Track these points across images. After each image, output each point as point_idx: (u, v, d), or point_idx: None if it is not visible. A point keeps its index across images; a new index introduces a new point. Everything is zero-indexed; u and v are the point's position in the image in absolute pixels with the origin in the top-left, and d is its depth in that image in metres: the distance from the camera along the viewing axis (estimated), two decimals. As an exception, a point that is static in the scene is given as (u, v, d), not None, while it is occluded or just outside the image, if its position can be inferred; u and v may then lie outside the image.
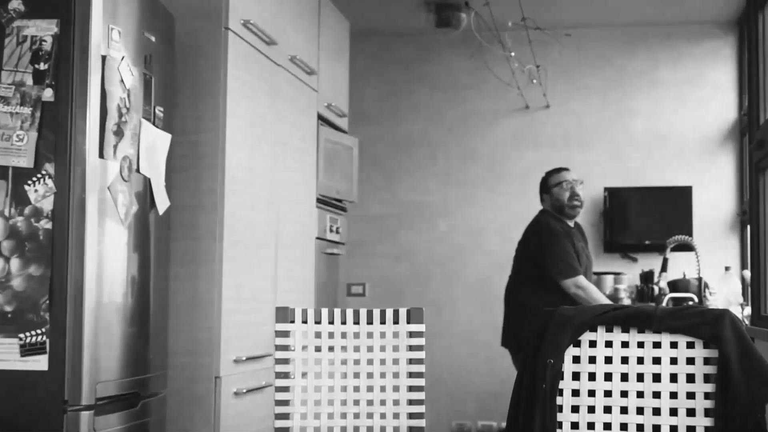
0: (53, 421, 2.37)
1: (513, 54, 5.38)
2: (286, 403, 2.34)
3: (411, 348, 2.38)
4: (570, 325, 2.11)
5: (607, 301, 4.31)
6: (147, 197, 2.75)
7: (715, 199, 5.83)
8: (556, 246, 4.25)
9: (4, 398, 2.38)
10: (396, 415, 2.35)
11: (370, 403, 2.36)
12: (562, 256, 4.23)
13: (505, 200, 6.06)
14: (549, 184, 4.45)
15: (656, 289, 4.73)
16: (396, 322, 2.39)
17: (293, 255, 3.84)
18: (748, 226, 4.41)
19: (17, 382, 2.37)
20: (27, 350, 2.38)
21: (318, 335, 2.40)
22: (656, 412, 2.08)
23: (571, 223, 4.43)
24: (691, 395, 2.07)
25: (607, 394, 2.10)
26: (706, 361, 2.07)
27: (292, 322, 2.39)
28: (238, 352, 3.27)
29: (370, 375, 2.38)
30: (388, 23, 6.04)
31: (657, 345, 2.10)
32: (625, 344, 2.11)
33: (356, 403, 2.36)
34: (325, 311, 2.41)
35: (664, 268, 4.47)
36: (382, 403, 2.35)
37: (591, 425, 2.09)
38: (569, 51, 5.92)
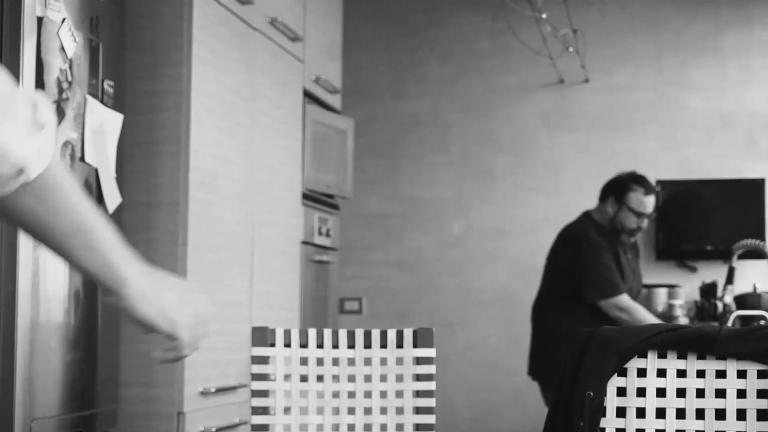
0: (-22, 468, 2.38)
1: (545, 16, 5.38)
2: (264, 445, 2.35)
3: (418, 377, 2.39)
4: (613, 349, 2.12)
5: (658, 322, 4.36)
6: (93, 192, 2.76)
7: (792, 194, 5.85)
8: (596, 260, 4.32)
9: None
10: (400, 461, 2.36)
11: (367, 445, 2.37)
12: (601, 271, 4.30)
13: (532, 196, 6.08)
14: (624, 198, 4.47)
15: (720, 305, 4.74)
16: (400, 345, 2.40)
17: (273, 263, 3.84)
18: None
19: (-66, 420, 2.38)
20: (-54, 380, 2.39)
21: (304, 362, 2.40)
22: (720, 456, 2.09)
23: (631, 241, 4.59)
24: (762, 436, 2.08)
25: (660, 434, 2.11)
26: (782, 393, 2.08)
27: (273, 345, 2.40)
28: (206, 383, 3.27)
29: (368, 411, 2.39)
30: (390, -23, 6.05)
31: (721, 374, 2.11)
32: (681, 373, 2.12)
33: (351, 445, 2.37)
34: (312, 332, 2.42)
35: (729, 280, 4.48)
36: (383, 445, 2.37)
37: (640, 473, 2.11)
38: (613, 11, 5.93)
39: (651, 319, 4.32)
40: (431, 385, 2.38)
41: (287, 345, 2.40)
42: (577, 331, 4.28)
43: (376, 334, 2.41)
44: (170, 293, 1.40)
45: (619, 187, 4.53)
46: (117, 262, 1.33)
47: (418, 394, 2.38)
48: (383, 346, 2.40)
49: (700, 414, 2.12)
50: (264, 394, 2.37)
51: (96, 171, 2.78)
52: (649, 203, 4.49)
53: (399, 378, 2.39)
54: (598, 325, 4.15)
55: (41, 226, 1.27)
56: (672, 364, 2.13)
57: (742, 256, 4.50)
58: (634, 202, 4.46)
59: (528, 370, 4.49)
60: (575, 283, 4.33)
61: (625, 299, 4.30)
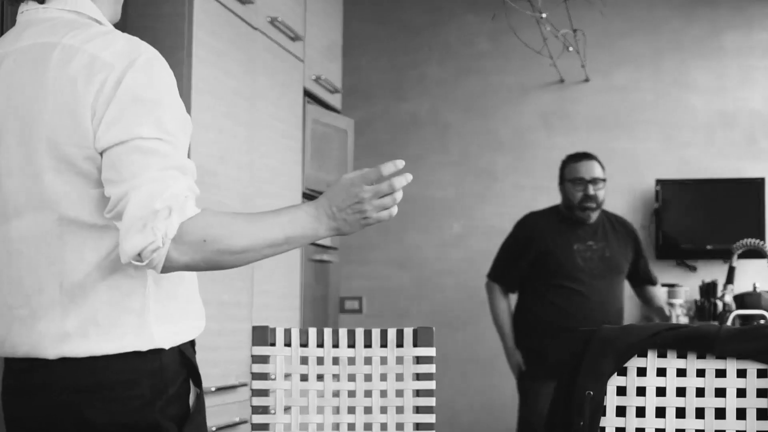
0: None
1: (545, 15, 5.38)
2: (264, 444, 2.35)
3: (418, 377, 2.39)
4: (613, 348, 2.12)
5: (507, 331, 4.58)
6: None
7: (792, 194, 5.85)
8: (503, 243, 4.68)
9: None
10: (400, 460, 2.36)
11: (368, 444, 2.37)
12: (499, 253, 4.67)
13: (532, 195, 6.07)
14: (564, 175, 4.60)
15: (720, 304, 4.73)
16: (400, 344, 2.40)
17: (273, 263, 3.84)
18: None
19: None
20: None
21: (304, 361, 2.40)
22: (720, 455, 2.09)
23: (593, 216, 4.53)
24: (762, 435, 2.08)
25: (660, 433, 2.11)
26: (781, 393, 2.08)
27: (273, 344, 2.39)
28: (206, 382, 3.26)
29: (368, 410, 2.39)
30: (390, -23, 6.05)
31: (721, 373, 2.11)
32: (681, 372, 2.12)
33: (351, 444, 2.37)
34: (312, 331, 2.42)
35: (729, 279, 4.48)
36: (383, 444, 2.36)
37: (639, 472, 2.10)
38: (613, 11, 5.93)
39: (503, 321, 4.56)
40: (431, 384, 2.38)
41: (287, 344, 2.40)
42: (519, 318, 4.50)
43: (376, 334, 2.41)
44: (338, 212, 1.82)
45: (559, 172, 4.71)
46: (302, 234, 1.78)
47: (418, 393, 2.38)
48: (383, 345, 2.40)
49: (699, 413, 2.12)
50: (264, 393, 2.37)
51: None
52: (581, 168, 4.57)
53: (399, 377, 2.39)
54: (533, 310, 4.54)
55: (238, 262, 1.74)
56: (672, 363, 2.13)
57: (742, 256, 4.49)
58: (569, 174, 4.60)
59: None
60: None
61: (493, 286, 4.62)
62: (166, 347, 1.74)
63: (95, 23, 1.80)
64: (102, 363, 1.70)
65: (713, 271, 5.77)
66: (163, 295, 1.75)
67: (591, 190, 4.52)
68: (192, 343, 1.84)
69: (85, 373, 1.70)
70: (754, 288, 5.32)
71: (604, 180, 4.59)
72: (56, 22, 1.77)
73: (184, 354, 1.79)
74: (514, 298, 4.76)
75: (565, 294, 4.46)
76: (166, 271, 1.66)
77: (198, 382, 1.82)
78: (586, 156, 4.64)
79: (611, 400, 2.12)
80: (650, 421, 2.12)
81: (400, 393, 2.38)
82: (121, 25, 2.95)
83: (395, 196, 1.94)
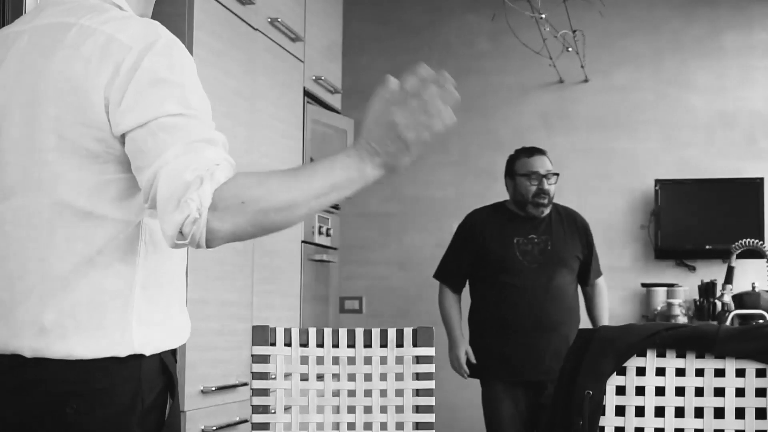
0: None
1: (544, 16, 5.38)
2: (265, 443, 2.35)
3: (418, 376, 2.40)
4: (612, 348, 2.12)
5: (453, 322, 4.50)
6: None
7: (791, 194, 5.85)
8: (450, 243, 4.58)
9: None
10: (400, 459, 2.36)
11: (368, 443, 2.37)
12: (446, 254, 4.57)
13: (533, 195, 6.07)
14: (514, 169, 4.50)
15: (719, 304, 4.73)
16: (400, 344, 2.40)
17: (273, 262, 3.85)
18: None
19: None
20: None
21: (304, 360, 2.41)
22: (719, 455, 2.09)
23: (545, 211, 4.44)
24: (761, 434, 2.08)
25: (659, 432, 2.12)
26: (780, 392, 2.08)
27: (273, 344, 2.40)
28: (206, 382, 3.27)
29: (368, 409, 2.39)
30: (390, -23, 6.05)
31: (720, 373, 2.11)
32: (680, 372, 2.12)
33: (351, 443, 2.37)
34: (312, 331, 2.42)
35: (728, 279, 4.48)
36: (383, 443, 2.37)
37: (639, 471, 2.11)
38: (613, 12, 5.93)
39: (453, 323, 4.47)
40: (431, 384, 2.39)
41: (288, 344, 2.40)
42: (475, 318, 4.37)
43: (376, 333, 2.41)
44: (379, 146, 1.66)
45: (507, 166, 4.59)
46: (348, 178, 1.63)
47: (417, 392, 2.39)
48: (383, 345, 2.40)
49: (698, 412, 2.12)
50: (264, 392, 2.37)
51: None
52: (534, 163, 4.47)
53: (399, 377, 2.40)
54: (480, 308, 4.44)
55: (288, 221, 1.61)
56: (671, 362, 2.13)
57: (740, 256, 4.49)
58: (521, 168, 4.48)
59: None
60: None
61: (441, 288, 4.53)
62: (147, 354, 1.66)
63: (116, 8, 1.74)
64: (79, 366, 1.62)
65: (712, 271, 5.78)
66: (149, 299, 1.67)
67: (545, 184, 4.43)
68: (173, 352, 1.76)
69: (61, 377, 1.62)
70: (753, 288, 5.33)
71: (557, 174, 4.51)
72: (77, 4, 1.72)
73: (164, 363, 1.70)
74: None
75: (498, 288, 4.34)
76: (212, 244, 1.55)
77: (174, 393, 1.72)
78: (538, 151, 4.56)
79: (610, 400, 2.12)
80: (649, 421, 2.12)
81: (399, 392, 2.39)
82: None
83: (444, 94, 1.65)
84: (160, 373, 1.69)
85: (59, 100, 1.63)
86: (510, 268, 4.32)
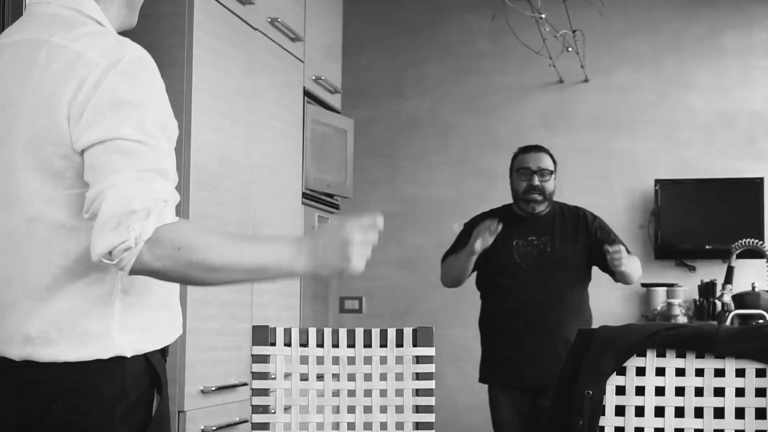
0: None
1: (544, 16, 5.38)
2: (264, 443, 2.35)
3: (418, 376, 2.40)
4: (612, 348, 2.12)
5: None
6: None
7: (791, 194, 5.85)
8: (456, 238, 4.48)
9: None
10: (400, 459, 2.37)
11: (367, 443, 2.37)
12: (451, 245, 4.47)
13: (533, 195, 6.07)
14: (512, 167, 4.47)
15: (719, 304, 4.74)
16: (400, 344, 2.40)
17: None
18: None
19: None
20: None
21: (304, 360, 2.41)
22: (718, 454, 2.09)
23: (537, 208, 4.34)
24: (761, 434, 2.08)
25: (659, 432, 2.12)
26: (780, 392, 2.08)
27: (273, 344, 2.40)
28: (206, 381, 3.27)
29: (368, 409, 2.39)
30: (390, -23, 6.05)
31: (720, 373, 2.11)
32: (680, 372, 2.12)
33: (351, 443, 2.37)
34: (312, 331, 2.42)
35: (728, 279, 4.48)
36: (383, 443, 2.37)
37: (638, 471, 2.11)
38: (613, 12, 5.93)
39: (455, 255, 4.35)
40: (431, 384, 2.39)
41: (287, 344, 2.40)
42: (482, 322, 4.25)
43: (376, 333, 2.41)
44: (322, 250, 1.76)
45: (509, 168, 4.52)
46: (278, 266, 1.71)
47: (417, 392, 2.39)
48: (383, 345, 2.40)
49: (698, 412, 2.12)
50: (264, 392, 2.37)
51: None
52: (528, 158, 4.38)
53: (399, 377, 2.40)
54: (489, 308, 4.43)
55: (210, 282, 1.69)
56: (671, 362, 2.13)
57: (740, 255, 4.49)
58: (516, 165, 4.43)
59: None
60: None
61: (442, 266, 4.43)
62: (128, 355, 1.71)
63: (93, 22, 1.77)
64: (65, 369, 1.67)
65: (712, 271, 5.78)
66: (130, 303, 1.72)
67: (536, 180, 4.31)
68: (163, 350, 1.81)
69: (48, 379, 1.68)
70: (753, 288, 5.33)
71: (552, 172, 4.39)
72: (55, 18, 1.75)
73: (150, 361, 1.75)
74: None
75: (498, 291, 4.31)
76: (134, 273, 1.62)
77: (161, 390, 1.77)
78: (536, 148, 4.48)
79: (610, 400, 2.12)
80: (649, 421, 2.12)
81: (399, 392, 2.39)
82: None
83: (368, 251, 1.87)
84: (145, 372, 1.74)
85: (33, 121, 1.68)
86: (508, 272, 4.28)
